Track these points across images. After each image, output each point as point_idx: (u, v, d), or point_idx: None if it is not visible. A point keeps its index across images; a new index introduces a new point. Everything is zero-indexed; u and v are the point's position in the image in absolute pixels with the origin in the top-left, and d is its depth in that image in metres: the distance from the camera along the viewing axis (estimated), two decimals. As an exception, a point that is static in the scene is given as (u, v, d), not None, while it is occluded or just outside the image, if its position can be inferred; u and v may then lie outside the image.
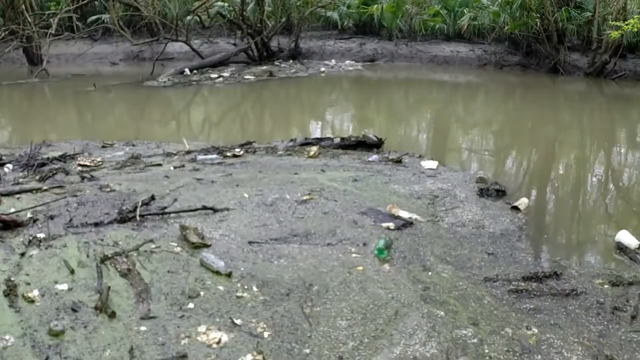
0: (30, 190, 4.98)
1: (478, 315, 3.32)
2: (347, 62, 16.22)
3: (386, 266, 3.87)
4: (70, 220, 4.29)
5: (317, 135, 8.29)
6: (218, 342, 2.93)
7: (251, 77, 13.54)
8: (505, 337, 3.12)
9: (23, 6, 14.57)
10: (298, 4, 17.14)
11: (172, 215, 4.48)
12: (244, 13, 15.77)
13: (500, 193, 5.55)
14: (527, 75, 14.88)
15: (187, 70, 13.78)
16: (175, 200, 4.83)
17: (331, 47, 17.40)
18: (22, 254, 3.65)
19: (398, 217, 4.69)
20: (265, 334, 3.03)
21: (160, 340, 2.91)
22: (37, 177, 5.49)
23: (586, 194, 6.53)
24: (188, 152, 6.66)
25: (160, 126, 9.69)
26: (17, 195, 4.84)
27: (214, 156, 6.40)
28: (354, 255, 4.00)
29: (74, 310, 3.08)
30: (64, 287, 3.29)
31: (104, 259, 3.61)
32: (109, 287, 3.27)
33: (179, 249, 3.88)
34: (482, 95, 13.72)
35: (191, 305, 3.24)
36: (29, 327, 2.92)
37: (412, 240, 4.32)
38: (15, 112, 10.92)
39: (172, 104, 11.65)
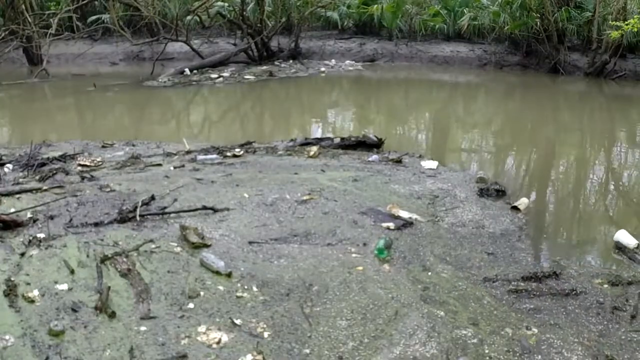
0: (30, 190, 4.99)
1: (478, 316, 3.32)
2: (347, 62, 16.22)
3: (386, 266, 3.87)
4: (70, 220, 4.29)
5: (317, 135, 8.29)
6: (218, 342, 2.93)
7: (251, 77, 13.54)
8: (505, 337, 3.12)
9: (23, 6, 14.57)
10: (298, 4, 17.14)
11: (172, 215, 4.48)
12: (244, 13, 15.77)
13: (500, 193, 5.55)
14: (527, 75, 14.88)
15: (187, 70, 13.78)
16: (175, 200, 4.83)
17: (331, 47, 17.40)
18: (22, 254, 3.65)
19: (398, 217, 4.69)
20: (265, 334, 3.03)
21: (160, 340, 2.91)
22: (37, 177, 5.49)
23: (586, 194, 6.53)
24: (188, 152, 6.66)
25: (160, 126, 9.69)
26: (17, 195, 4.84)
27: (214, 156, 6.40)
28: (354, 255, 4.00)
29: (74, 310, 3.08)
30: (64, 287, 3.29)
31: (104, 259, 3.61)
32: (109, 287, 3.27)
33: (179, 249, 3.88)
34: (482, 95, 13.72)
35: (191, 305, 3.24)
36: (29, 327, 2.92)
37: (412, 240, 4.32)
38: (15, 112, 10.92)
39: (172, 104, 11.65)
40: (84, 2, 15.82)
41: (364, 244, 4.17)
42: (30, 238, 3.87)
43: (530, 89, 13.48)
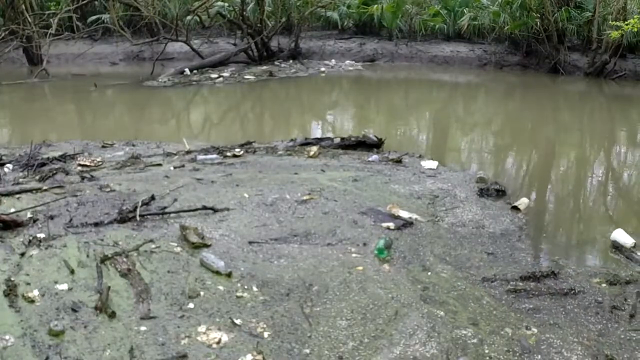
0: (30, 190, 4.99)
1: (477, 316, 3.33)
2: (347, 62, 16.22)
3: (386, 266, 3.87)
4: (70, 220, 4.29)
5: (317, 135, 8.29)
6: (218, 342, 2.93)
7: (251, 77, 13.54)
8: (505, 337, 3.12)
9: (23, 6, 14.57)
10: (298, 4, 17.14)
11: (172, 215, 4.49)
12: (244, 13, 15.77)
13: (500, 193, 5.55)
14: (527, 75, 14.88)
15: (187, 70, 13.78)
16: (175, 200, 4.83)
17: (331, 47, 17.40)
18: (22, 254, 3.65)
19: (398, 217, 4.69)
20: (265, 334, 3.03)
21: (160, 340, 2.91)
22: (37, 177, 5.49)
23: (586, 193, 6.53)
24: (188, 152, 6.67)
25: (160, 126, 9.69)
26: (17, 195, 4.84)
27: (214, 156, 6.40)
28: (354, 255, 4.00)
29: (74, 310, 3.08)
30: (64, 287, 3.29)
31: (104, 259, 3.61)
32: (109, 287, 3.27)
33: (179, 249, 3.88)
34: (482, 95, 13.72)
35: (191, 305, 3.24)
36: (29, 327, 2.93)
37: (412, 240, 4.32)
38: (15, 112, 10.92)
39: (172, 104, 11.65)
40: (84, 2, 15.82)
41: (364, 244, 4.17)
42: (30, 238, 3.87)
43: (530, 89, 13.48)
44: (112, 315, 3.07)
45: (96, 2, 17.64)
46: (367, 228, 4.47)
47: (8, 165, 5.98)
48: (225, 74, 13.74)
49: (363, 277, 3.66)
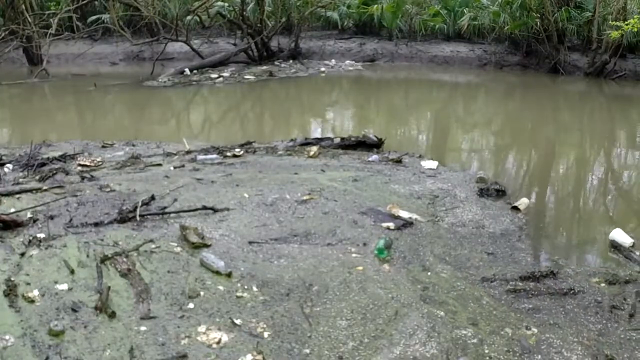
0: (30, 190, 4.99)
1: (477, 316, 3.33)
2: (347, 62, 16.22)
3: (386, 266, 3.87)
4: (70, 220, 4.29)
5: (317, 135, 8.29)
6: (218, 342, 2.93)
7: (251, 77, 13.54)
8: (505, 337, 3.12)
9: (23, 6, 14.57)
10: (298, 4, 17.14)
11: (172, 215, 4.49)
12: (244, 13, 15.77)
13: (500, 193, 5.55)
14: (527, 75, 14.88)
15: (187, 70, 13.78)
16: (175, 200, 4.83)
17: (331, 47, 17.40)
18: (22, 254, 3.65)
19: (398, 217, 4.69)
20: (265, 334, 3.03)
21: (160, 340, 2.91)
22: (37, 177, 5.49)
23: (586, 194, 6.53)
24: (188, 152, 6.67)
25: (160, 126, 9.69)
26: (17, 195, 4.84)
27: (214, 156, 6.40)
28: (354, 255, 4.00)
29: (74, 310, 3.08)
30: (64, 287, 3.30)
31: (104, 259, 3.61)
32: (109, 287, 3.27)
33: (179, 249, 3.88)
34: (482, 95, 13.72)
35: (191, 305, 3.24)
36: (29, 327, 2.93)
37: (412, 240, 4.32)
38: (15, 112, 10.93)
39: (172, 104, 11.65)
40: (84, 2, 15.82)
41: (364, 244, 4.17)
42: (30, 238, 3.87)
43: (530, 89, 13.48)
44: (112, 315, 3.07)
45: (96, 2, 17.64)
46: (367, 228, 4.47)
47: (8, 165, 5.98)
48: (225, 74, 13.74)
49: (363, 277, 3.66)
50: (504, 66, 15.74)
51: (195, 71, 13.95)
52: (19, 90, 12.17)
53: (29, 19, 14.40)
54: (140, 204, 4.55)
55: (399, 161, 6.50)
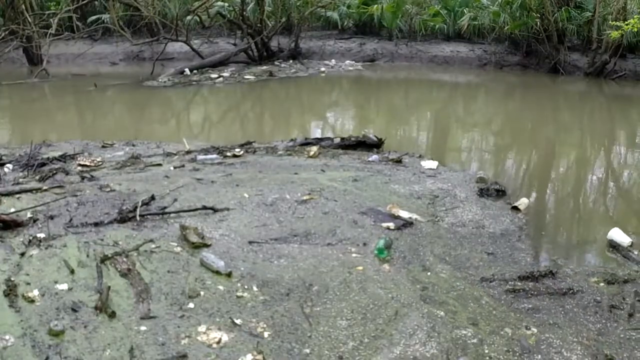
0: (30, 190, 4.99)
1: (477, 316, 3.33)
2: (347, 62, 16.22)
3: (386, 266, 3.87)
4: (70, 220, 4.29)
5: (317, 135, 8.29)
6: (218, 342, 2.93)
7: (251, 77, 13.54)
8: (504, 337, 3.13)
9: (23, 6, 14.57)
10: (298, 4, 17.14)
11: (172, 215, 4.49)
12: (244, 13, 15.77)
13: (500, 193, 5.55)
14: (527, 75, 14.88)
15: (187, 70, 13.79)
16: (175, 200, 4.83)
17: (331, 47, 17.40)
18: (22, 254, 3.65)
19: (398, 217, 4.69)
20: (265, 334, 3.04)
21: (160, 340, 2.92)
22: (37, 177, 5.50)
23: (586, 193, 6.53)
24: (188, 152, 6.67)
25: (160, 126, 9.69)
26: (17, 195, 4.84)
27: (214, 156, 6.40)
28: (354, 255, 4.01)
29: (74, 310, 3.08)
30: (64, 287, 3.30)
31: (104, 259, 3.61)
32: (109, 287, 3.27)
33: (179, 248, 3.88)
34: (482, 95, 13.72)
35: (191, 305, 3.24)
36: (29, 327, 2.93)
37: (412, 240, 4.32)
38: (15, 112, 10.92)
39: (172, 104, 11.65)
40: (84, 2, 15.82)
41: (364, 244, 4.17)
42: (30, 238, 3.88)
43: (530, 89, 13.48)
44: (112, 315, 3.07)
45: (96, 2, 17.64)
46: (367, 228, 4.47)
47: (8, 165, 5.99)
48: (225, 74, 13.74)
49: (363, 277, 3.66)
50: (504, 66, 15.74)
51: (195, 71, 13.95)
52: (19, 90, 12.17)
53: (29, 19, 14.40)
54: (140, 204, 4.55)
55: (399, 161, 6.50)
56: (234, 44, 16.86)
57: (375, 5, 16.95)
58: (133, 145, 7.14)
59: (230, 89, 12.82)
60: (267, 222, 4.48)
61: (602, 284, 3.78)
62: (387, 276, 3.72)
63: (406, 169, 6.21)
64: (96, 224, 4.21)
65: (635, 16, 12.39)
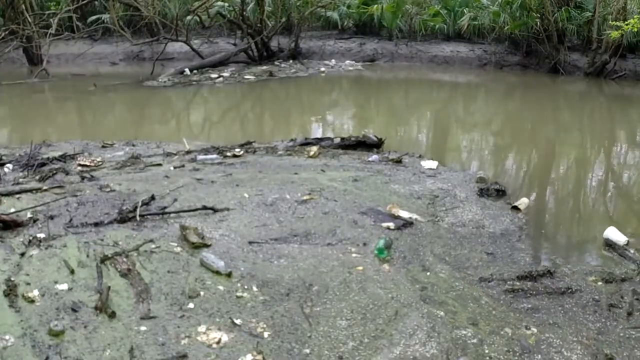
0: (30, 190, 4.99)
1: (477, 316, 3.33)
2: (347, 62, 16.22)
3: (386, 266, 3.87)
4: (70, 220, 4.29)
5: (317, 135, 8.29)
6: (218, 342, 2.93)
7: (251, 77, 13.54)
8: (504, 337, 3.13)
9: (23, 6, 14.57)
10: (298, 4, 17.14)
11: (172, 215, 4.49)
12: (244, 13, 15.77)
13: (500, 193, 5.55)
14: (527, 75, 14.88)
15: (187, 70, 13.79)
16: (175, 200, 4.83)
17: (331, 47, 17.40)
18: (22, 254, 3.65)
19: (398, 217, 4.69)
20: (265, 334, 3.04)
21: (160, 340, 2.92)
22: (37, 177, 5.50)
23: (586, 193, 6.53)
24: (188, 152, 6.67)
25: (160, 126, 9.69)
26: (17, 195, 4.84)
27: (214, 156, 6.41)
28: (354, 255, 4.01)
29: (74, 310, 3.08)
30: (64, 287, 3.30)
31: (104, 259, 3.61)
32: (109, 287, 3.27)
33: (179, 249, 3.88)
34: (482, 95, 13.72)
35: (191, 305, 3.24)
36: (29, 327, 2.93)
37: (412, 240, 4.32)
38: (15, 112, 10.93)
39: (172, 104, 11.65)
40: (84, 2, 15.82)
41: (364, 244, 4.17)
42: (30, 238, 3.88)
43: (530, 89, 13.48)
44: (112, 315, 3.07)
45: (96, 2, 17.64)
46: (367, 228, 4.47)
47: (8, 165, 5.99)
48: (225, 74, 13.74)
49: (363, 277, 3.66)
50: (504, 66, 15.74)
51: (195, 71, 13.95)
52: (19, 90, 12.16)
53: (29, 19, 14.40)
54: (140, 204, 4.55)
55: (399, 161, 6.50)
56: (234, 44, 16.87)
57: (375, 5, 16.95)
58: (133, 145, 7.14)
59: (230, 89, 12.82)
60: (267, 222, 4.48)
61: (600, 283, 3.79)
62: (387, 276, 3.72)
63: (406, 169, 6.21)
64: (96, 224, 4.21)
65: (635, 16, 12.39)
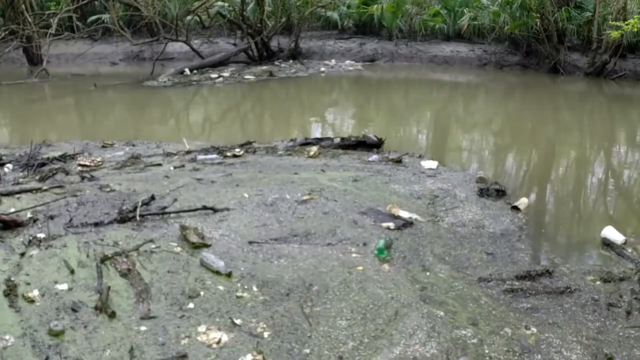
0: (30, 190, 4.99)
1: (477, 316, 3.33)
2: (347, 62, 16.22)
3: (386, 266, 3.87)
4: (70, 220, 4.29)
5: (317, 135, 8.29)
6: (218, 342, 2.94)
7: (251, 77, 13.54)
8: (504, 337, 3.13)
9: (23, 6, 14.57)
10: (298, 4, 17.13)
11: (172, 215, 4.49)
12: (244, 13, 15.77)
13: (500, 193, 5.55)
14: (527, 75, 14.88)
15: (187, 70, 13.79)
16: (175, 200, 4.83)
17: (331, 47, 17.40)
18: (22, 254, 3.66)
19: (398, 217, 4.69)
20: (265, 334, 3.04)
21: (160, 340, 2.92)
22: (37, 177, 5.50)
23: (586, 193, 6.53)
24: (188, 152, 6.67)
25: (160, 126, 9.69)
26: (17, 195, 4.84)
27: (214, 156, 6.41)
28: (354, 255, 4.01)
29: (74, 310, 3.09)
30: (64, 287, 3.30)
31: (104, 259, 3.61)
32: (109, 287, 3.27)
33: (179, 249, 3.88)
34: (482, 95, 13.72)
35: (191, 305, 3.24)
36: (29, 327, 2.93)
37: (412, 240, 4.33)
38: (15, 112, 10.93)
39: (172, 104, 11.65)
40: (84, 2, 15.82)
41: (364, 244, 4.17)
42: (30, 238, 3.88)
43: (530, 89, 13.48)
44: (112, 315, 3.07)
45: (96, 2, 17.64)
46: (367, 228, 4.47)
47: (8, 165, 5.99)
48: (225, 74, 13.74)
49: (363, 277, 3.66)
50: (504, 66, 15.74)
51: (195, 71, 13.95)
52: (19, 90, 12.17)
53: (29, 19, 14.40)
54: (140, 204, 4.55)
55: (399, 161, 6.51)
56: (234, 44, 16.86)
57: (375, 5, 16.94)
58: (133, 145, 7.14)
59: (230, 89, 12.82)
60: (267, 222, 4.48)
61: (598, 282, 3.79)
62: (387, 276, 3.72)
63: (406, 169, 6.21)
64: (96, 224, 4.21)
65: (635, 16, 12.39)
